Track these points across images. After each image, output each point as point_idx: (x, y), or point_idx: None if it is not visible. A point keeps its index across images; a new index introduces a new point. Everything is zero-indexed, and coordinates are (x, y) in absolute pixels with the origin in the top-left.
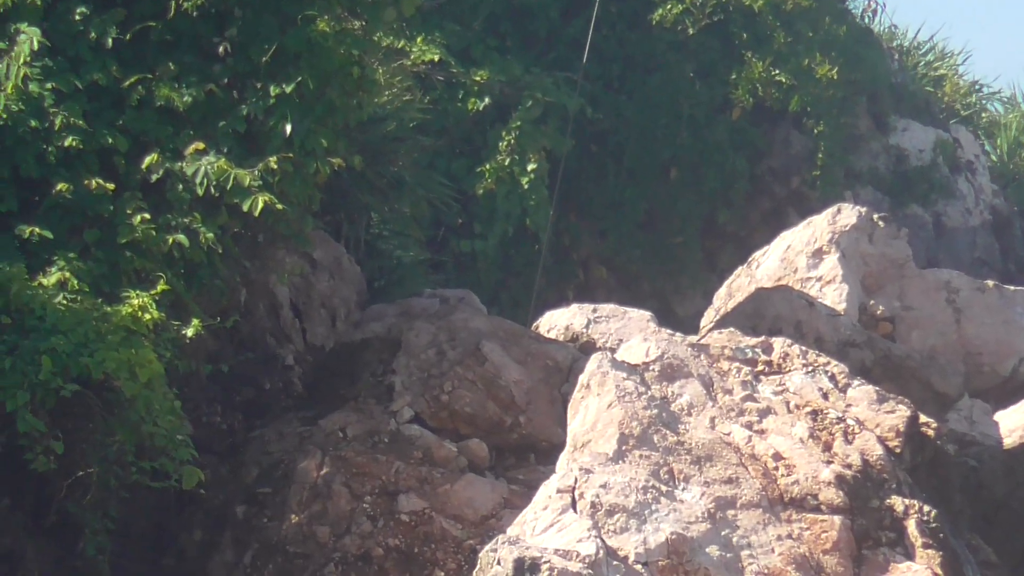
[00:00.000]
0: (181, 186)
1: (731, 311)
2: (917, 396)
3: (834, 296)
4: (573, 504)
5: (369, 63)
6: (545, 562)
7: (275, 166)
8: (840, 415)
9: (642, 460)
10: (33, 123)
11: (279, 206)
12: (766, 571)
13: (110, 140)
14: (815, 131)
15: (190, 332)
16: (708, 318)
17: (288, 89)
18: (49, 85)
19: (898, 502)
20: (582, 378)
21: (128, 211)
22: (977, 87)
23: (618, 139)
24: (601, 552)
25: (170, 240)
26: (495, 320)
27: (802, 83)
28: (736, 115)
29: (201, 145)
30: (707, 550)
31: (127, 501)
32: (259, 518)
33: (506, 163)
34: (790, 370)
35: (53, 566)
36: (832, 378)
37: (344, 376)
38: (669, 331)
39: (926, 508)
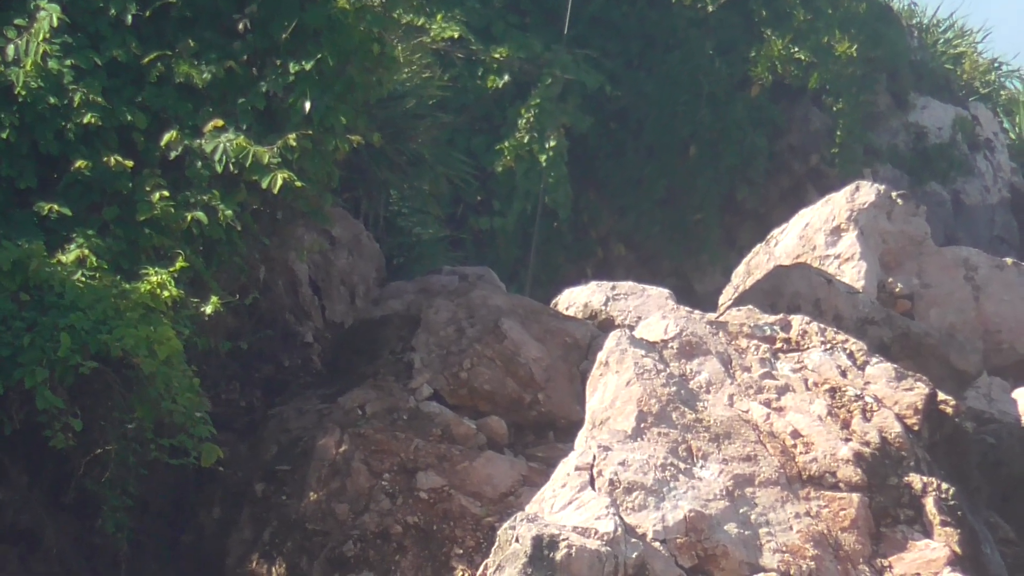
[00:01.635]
0: (200, 163)
1: (750, 288)
2: (935, 374)
3: (852, 274)
4: (591, 482)
5: (389, 40)
6: (563, 539)
7: (294, 143)
8: (858, 392)
9: (660, 437)
10: (52, 100)
11: (298, 183)
12: (784, 548)
13: (129, 117)
14: (834, 108)
15: (209, 309)
16: (727, 295)
17: (308, 66)
18: (69, 62)
19: (916, 480)
20: (601, 355)
21: (147, 188)
22: (996, 65)
23: (638, 116)
24: (619, 529)
25: (189, 217)
26: (514, 297)
27: (822, 60)
28: (756, 92)
29: (220, 122)
30: (725, 527)
31: (146, 478)
32: (278, 495)
33: (525, 140)
34: (808, 348)
35: (72, 543)
36: (850, 356)
37: (363, 353)
38: (688, 308)
39: (944, 486)
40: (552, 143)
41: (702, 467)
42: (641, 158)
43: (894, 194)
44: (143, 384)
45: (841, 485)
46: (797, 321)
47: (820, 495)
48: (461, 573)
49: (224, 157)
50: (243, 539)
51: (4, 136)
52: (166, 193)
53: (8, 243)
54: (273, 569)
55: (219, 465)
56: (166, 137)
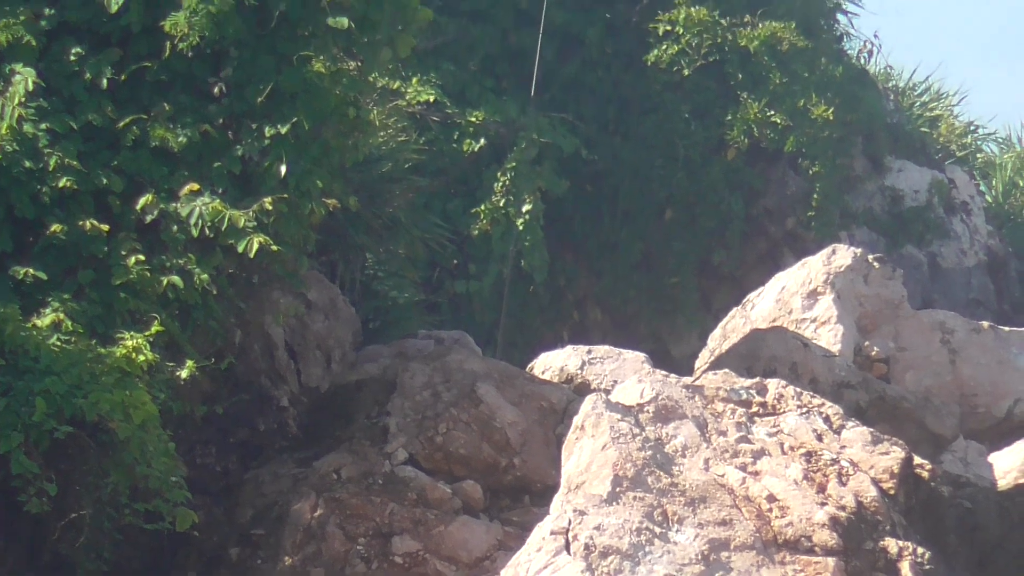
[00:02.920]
0: (176, 227)
1: (726, 352)
2: (912, 437)
3: (829, 337)
4: (567, 546)
5: (365, 104)
6: None
7: (270, 207)
8: (834, 456)
9: (636, 502)
10: (28, 164)
11: (274, 247)
12: None
13: (105, 181)
14: (811, 171)
15: (184, 373)
16: (703, 359)
17: (283, 130)
18: (44, 125)
19: (892, 544)
20: (576, 419)
21: (123, 252)
22: (972, 128)
23: (613, 180)
24: None
25: (165, 281)
26: (490, 362)
27: (798, 123)
28: (731, 155)
29: (196, 186)
30: None
31: (121, 543)
32: (253, 559)
33: (501, 204)
34: (784, 411)
35: None
36: (827, 419)
37: (339, 417)
38: (664, 372)
39: (920, 550)
40: (528, 207)
41: (678, 531)
42: (617, 221)
43: (871, 257)
44: (118, 448)
45: (817, 549)
46: (773, 385)
47: (796, 559)
48: None
49: (200, 221)
50: None
51: None
52: (142, 257)
53: None
54: None
55: (194, 530)
56: (142, 201)
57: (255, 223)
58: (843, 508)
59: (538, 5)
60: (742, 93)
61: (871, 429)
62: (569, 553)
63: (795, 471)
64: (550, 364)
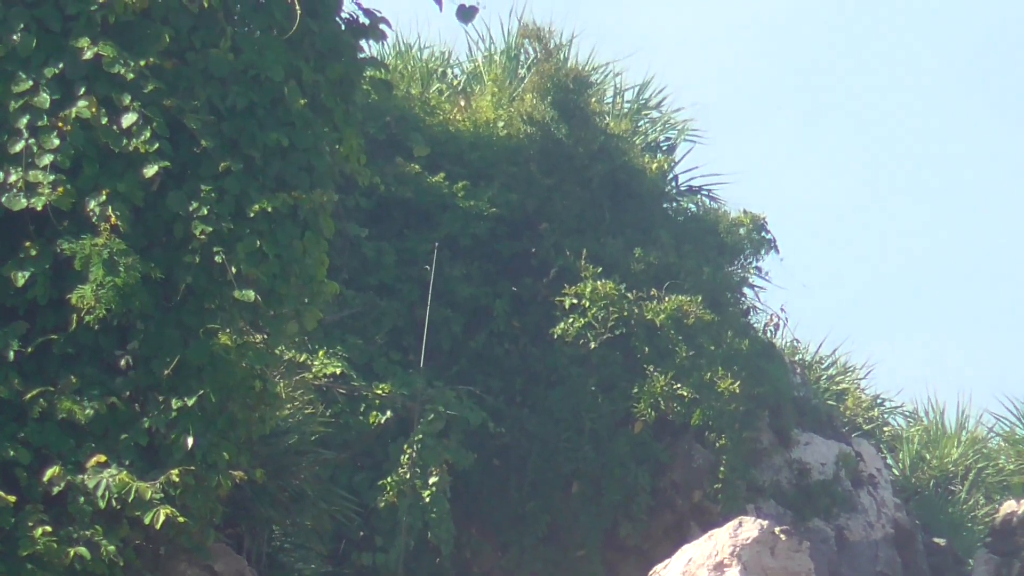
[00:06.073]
0: (83, 498)
1: None
2: None
3: None
4: None
5: (271, 376)
6: None
7: (177, 479)
8: None
9: None
10: None
11: (181, 519)
12: None
13: (11, 453)
14: (717, 444)
15: None
16: None
17: (190, 402)
18: None
19: None
20: None
21: (29, 523)
22: (879, 401)
23: (520, 452)
24: None
25: (72, 552)
26: None
27: (704, 397)
28: (638, 428)
29: (103, 458)
30: None
31: None
32: None
33: (408, 476)
34: None
35: None
36: None
37: None
38: None
39: None
40: (434, 479)
41: None
42: (524, 494)
43: (777, 530)
44: None
45: None
46: None
47: None
48: None
49: (107, 493)
50: None
51: None
52: (48, 528)
53: None
54: None
55: None
56: (48, 473)
57: (162, 495)
58: None
59: (444, 279)
60: (648, 366)
61: None
62: None
63: None
64: None
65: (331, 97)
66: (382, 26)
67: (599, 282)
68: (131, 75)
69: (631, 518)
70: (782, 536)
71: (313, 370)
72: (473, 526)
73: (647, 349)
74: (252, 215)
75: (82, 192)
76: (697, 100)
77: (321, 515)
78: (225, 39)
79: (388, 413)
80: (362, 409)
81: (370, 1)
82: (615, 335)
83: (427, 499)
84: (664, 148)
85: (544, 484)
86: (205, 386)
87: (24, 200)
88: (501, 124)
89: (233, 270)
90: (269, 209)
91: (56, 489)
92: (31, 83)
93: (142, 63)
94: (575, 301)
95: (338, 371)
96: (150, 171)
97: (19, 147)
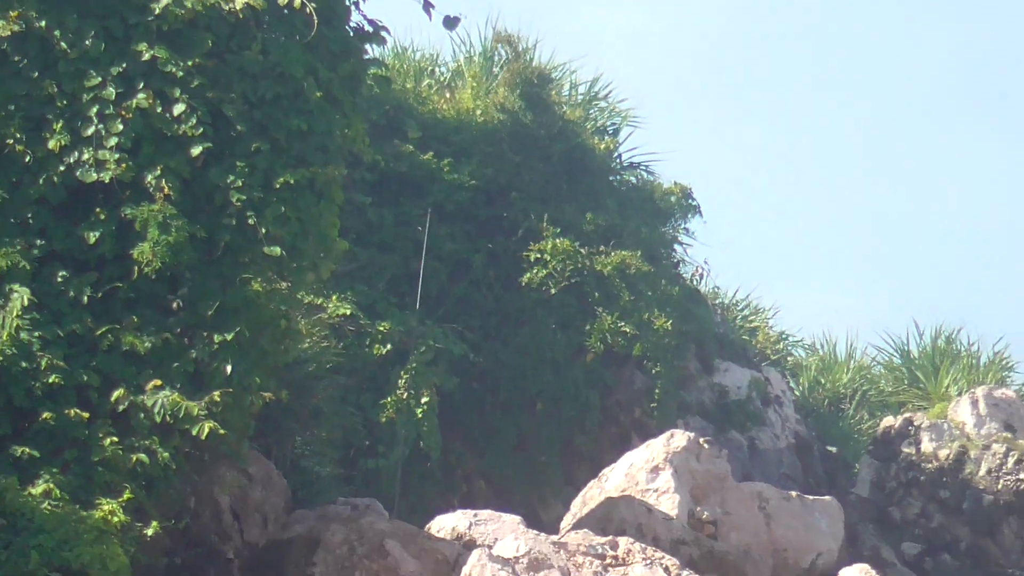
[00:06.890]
0: (142, 415)
1: (585, 516)
2: None
3: (668, 504)
4: None
5: (294, 316)
6: None
7: (218, 399)
8: None
9: None
10: (23, 364)
11: (221, 431)
12: None
13: (85, 378)
14: (653, 371)
15: (150, 532)
16: (567, 521)
17: (229, 337)
18: (37, 334)
19: None
20: (465, 569)
21: (100, 435)
22: (784, 336)
23: (494, 377)
24: None
25: (134, 458)
26: (395, 523)
27: (643, 333)
28: (590, 358)
29: (158, 382)
30: None
31: None
32: None
33: (404, 397)
34: (632, 563)
35: None
36: (667, 569)
37: (274, 568)
38: (535, 532)
39: None
40: (426, 399)
41: None
42: (497, 411)
43: (702, 440)
44: None
45: None
46: (623, 542)
47: None
48: None
49: (162, 410)
50: None
51: None
52: (115, 439)
53: None
54: None
55: None
56: (115, 394)
57: (206, 412)
58: None
59: (433, 238)
60: (598, 308)
61: None
62: None
63: None
64: (443, 525)
65: (341, 90)
66: (383, 33)
67: (558, 240)
68: (180, 73)
69: (584, 431)
70: (705, 445)
71: (328, 311)
72: (456, 437)
73: (597, 294)
74: (278, 186)
75: (141, 167)
76: (637, 91)
77: (334, 428)
78: (256, 43)
79: (388, 346)
80: (367, 343)
81: (373, 12)
82: (571, 283)
83: (420, 415)
84: (610, 131)
85: (513, 403)
86: (240, 324)
87: (95, 174)
88: (479, 112)
89: (263, 231)
90: (291, 181)
91: (121, 407)
92: (100, 79)
93: (189, 63)
94: (539, 255)
95: (348, 312)
96: (196, 151)
97: (90, 131)
